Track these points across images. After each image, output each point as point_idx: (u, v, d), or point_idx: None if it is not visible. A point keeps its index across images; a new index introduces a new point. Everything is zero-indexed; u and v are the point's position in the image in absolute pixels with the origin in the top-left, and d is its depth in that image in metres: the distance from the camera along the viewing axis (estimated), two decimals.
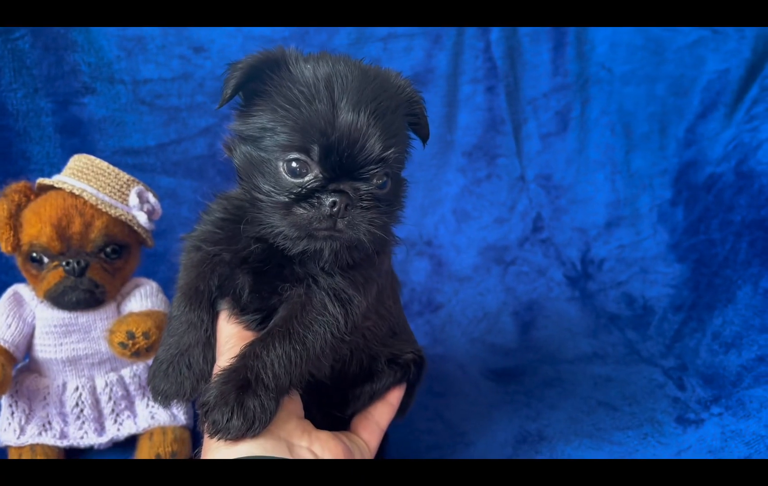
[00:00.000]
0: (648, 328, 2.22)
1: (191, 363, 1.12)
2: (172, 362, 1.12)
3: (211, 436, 0.96)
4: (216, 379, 1.00)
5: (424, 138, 1.20)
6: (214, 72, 2.40)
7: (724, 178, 2.39)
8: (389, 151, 0.99)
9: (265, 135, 1.01)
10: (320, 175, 0.99)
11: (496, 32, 2.57)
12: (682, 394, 1.82)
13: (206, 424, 0.97)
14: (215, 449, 0.97)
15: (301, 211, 0.98)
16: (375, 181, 1.02)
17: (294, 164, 0.99)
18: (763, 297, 2.00)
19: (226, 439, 0.95)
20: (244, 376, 0.98)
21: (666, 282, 2.37)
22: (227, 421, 0.94)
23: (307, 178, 0.99)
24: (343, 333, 1.07)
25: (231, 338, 1.09)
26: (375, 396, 1.26)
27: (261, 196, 1.02)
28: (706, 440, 1.60)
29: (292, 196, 0.99)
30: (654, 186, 2.62)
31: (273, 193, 1.01)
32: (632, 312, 2.32)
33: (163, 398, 1.12)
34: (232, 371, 0.99)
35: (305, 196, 0.98)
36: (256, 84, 1.05)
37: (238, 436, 0.95)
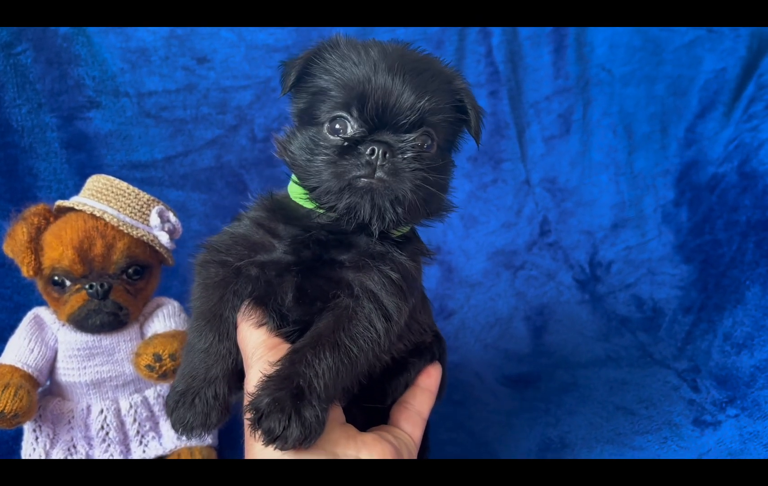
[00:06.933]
0: (659, 330, 2.22)
1: (217, 393, 1.08)
2: (198, 393, 1.08)
3: (266, 444, 0.92)
4: (264, 385, 0.96)
5: (475, 135, 1.17)
6: (218, 83, 2.38)
7: (727, 178, 2.41)
8: (423, 101, 1.04)
9: (316, 100, 1.09)
10: (360, 129, 1.04)
11: (497, 36, 2.57)
12: (697, 396, 1.83)
13: (257, 433, 0.92)
14: (260, 452, 0.95)
15: (343, 162, 1.02)
16: (416, 136, 1.05)
17: (337, 124, 1.06)
18: None
19: (283, 449, 0.92)
20: (297, 384, 0.95)
21: (674, 283, 2.38)
22: (284, 429, 0.91)
23: (348, 134, 1.05)
24: (382, 350, 1.07)
25: (259, 347, 1.06)
26: (409, 384, 1.25)
27: (309, 157, 1.07)
28: (725, 442, 1.61)
29: (336, 151, 1.04)
30: (657, 186, 2.64)
31: (320, 153, 1.06)
32: (642, 314, 2.33)
33: (188, 430, 1.08)
34: (283, 378, 0.95)
35: (347, 149, 1.03)
36: (310, 68, 1.12)
37: (295, 446, 0.92)
